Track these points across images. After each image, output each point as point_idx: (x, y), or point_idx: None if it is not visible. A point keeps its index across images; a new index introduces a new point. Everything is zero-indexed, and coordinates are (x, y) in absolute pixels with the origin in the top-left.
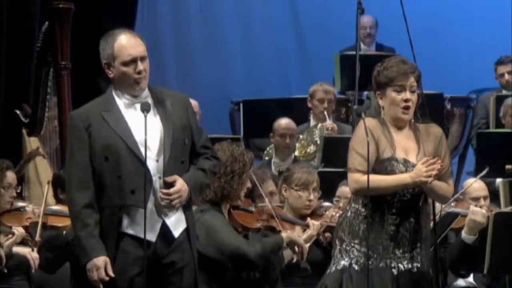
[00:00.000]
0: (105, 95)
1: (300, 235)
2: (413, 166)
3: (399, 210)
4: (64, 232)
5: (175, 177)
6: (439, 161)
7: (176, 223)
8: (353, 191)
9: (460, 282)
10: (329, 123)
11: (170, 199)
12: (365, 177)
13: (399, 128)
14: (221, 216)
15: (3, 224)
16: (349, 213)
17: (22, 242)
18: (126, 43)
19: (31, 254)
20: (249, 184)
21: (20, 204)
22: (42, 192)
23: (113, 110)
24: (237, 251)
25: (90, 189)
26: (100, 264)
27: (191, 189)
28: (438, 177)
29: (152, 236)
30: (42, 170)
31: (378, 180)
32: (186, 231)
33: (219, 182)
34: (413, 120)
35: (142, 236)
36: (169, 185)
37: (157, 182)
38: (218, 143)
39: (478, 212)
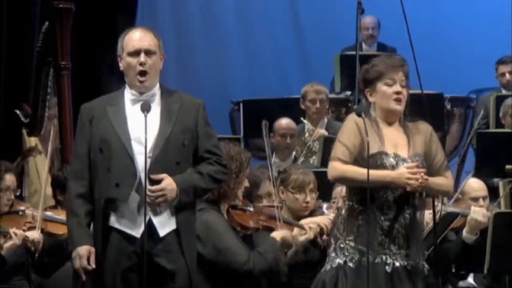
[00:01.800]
0: (118, 91)
1: (298, 236)
2: (404, 160)
3: (392, 205)
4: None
5: (163, 175)
6: (423, 174)
7: (164, 222)
8: (331, 178)
9: (460, 283)
10: (317, 131)
11: (153, 196)
12: (344, 166)
13: (389, 123)
14: (221, 217)
15: (1, 227)
16: (343, 211)
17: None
18: (133, 36)
19: (40, 236)
20: (246, 184)
21: (20, 207)
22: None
23: (118, 105)
24: (241, 269)
25: (84, 180)
26: (83, 253)
27: (181, 190)
28: (431, 174)
29: (136, 232)
30: (42, 169)
31: (359, 173)
32: (176, 233)
33: None
34: (402, 117)
35: (127, 231)
36: (155, 182)
37: (137, 178)
38: None
39: (480, 212)
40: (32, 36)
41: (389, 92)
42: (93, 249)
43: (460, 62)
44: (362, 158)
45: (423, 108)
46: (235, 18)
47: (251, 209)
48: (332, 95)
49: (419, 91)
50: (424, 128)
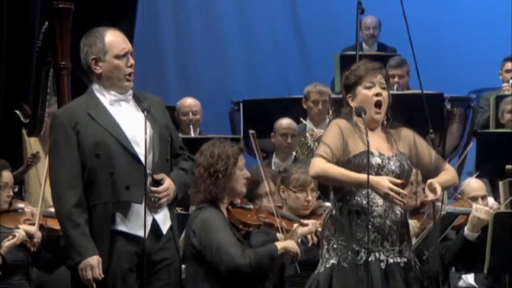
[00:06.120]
0: (87, 94)
1: (299, 232)
2: (388, 158)
3: (382, 202)
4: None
5: (163, 175)
6: (404, 199)
7: (164, 219)
8: (313, 174)
9: (460, 283)
10: (317, 131)
11: (159, 197)
12: (327, 164)
13: (371, 129)
14: (219, 214)
15: (1, 225)
16: (334, 211)
17: (21, 243)
18: (117, 38)
19: (37, 232)
20: (247, 174)
21: (19, 205)
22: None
23: (99, 108)
24: (231, 263)
25: (79, 188)
26: (94, 264)
27: (177, 188)
28: (431, 174)
29: (142, 232)
30: (42, 169)
31: (340, 173)
32: (171, 228)
33: (205, 185)
34: (385, 122)
35: (135, 232)
36: (157, 182)
37: (148, 178)
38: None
39: (482, 210)
40: (32, 36)
41: (369, 95)
42: (100, 259)
43: (460, 62)
44: (345, 162)
45: (423, 108)
46: (235, 18)
47: (251, 207)
48: (333, 95)
49: (419, 91)
50: (406, 133)
